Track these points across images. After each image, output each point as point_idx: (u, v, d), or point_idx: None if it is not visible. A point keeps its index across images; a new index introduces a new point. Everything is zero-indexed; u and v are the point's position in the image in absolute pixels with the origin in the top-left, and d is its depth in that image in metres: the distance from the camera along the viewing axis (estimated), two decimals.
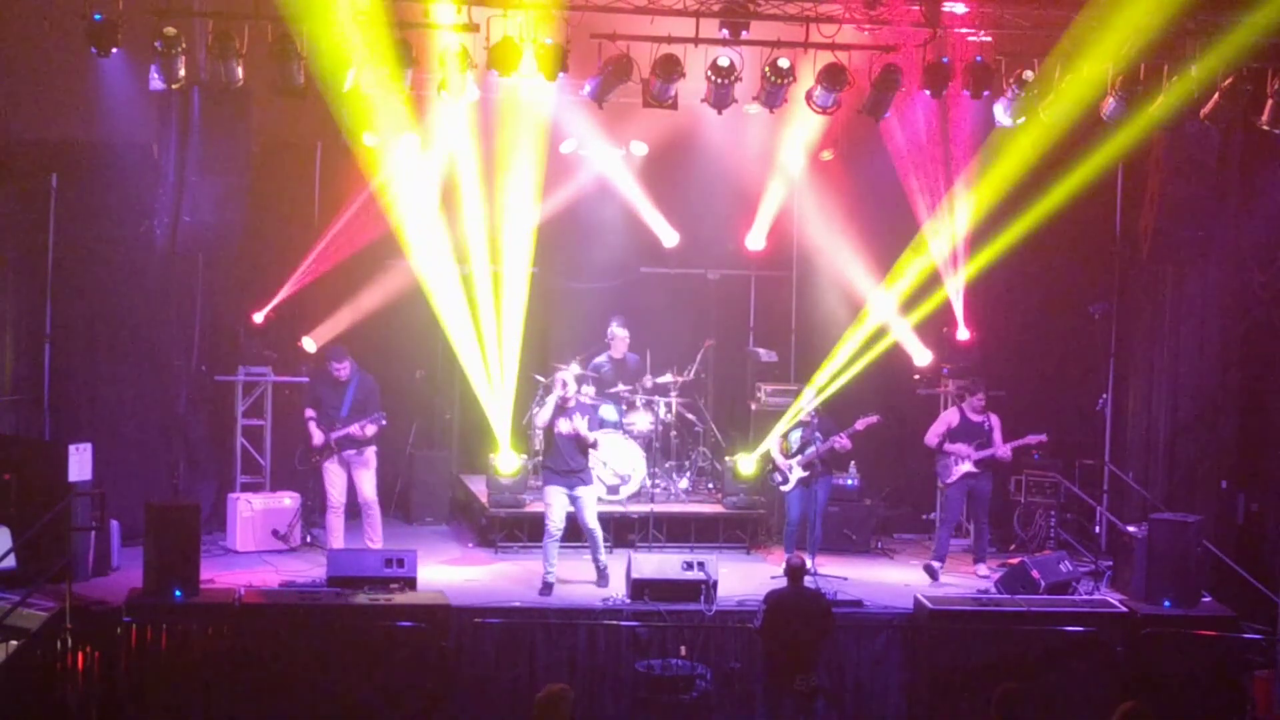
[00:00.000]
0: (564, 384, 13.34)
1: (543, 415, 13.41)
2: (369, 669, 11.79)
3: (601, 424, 13.92)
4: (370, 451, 13.87)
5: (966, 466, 13.93)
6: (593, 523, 13.36)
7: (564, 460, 13.26)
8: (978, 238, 15.19)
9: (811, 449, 13.85)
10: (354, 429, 13.73)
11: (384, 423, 13.91)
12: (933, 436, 14.13)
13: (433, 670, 11.92)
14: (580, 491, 13.32)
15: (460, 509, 16.13)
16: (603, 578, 13.28)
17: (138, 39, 12.21)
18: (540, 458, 15.27)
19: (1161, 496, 14.90)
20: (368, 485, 13.85)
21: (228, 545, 14.49)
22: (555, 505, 13.29)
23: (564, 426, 13.25)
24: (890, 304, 15.48)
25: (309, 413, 13.87)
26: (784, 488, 14.07)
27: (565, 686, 8.81)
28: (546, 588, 13.08)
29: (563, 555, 13.42)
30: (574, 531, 13.52)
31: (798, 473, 13.93)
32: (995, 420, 14.17)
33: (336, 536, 13.71)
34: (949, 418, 14.19)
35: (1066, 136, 14.07)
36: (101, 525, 12.93)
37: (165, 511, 12.20)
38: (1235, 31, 12.60)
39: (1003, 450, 14.01)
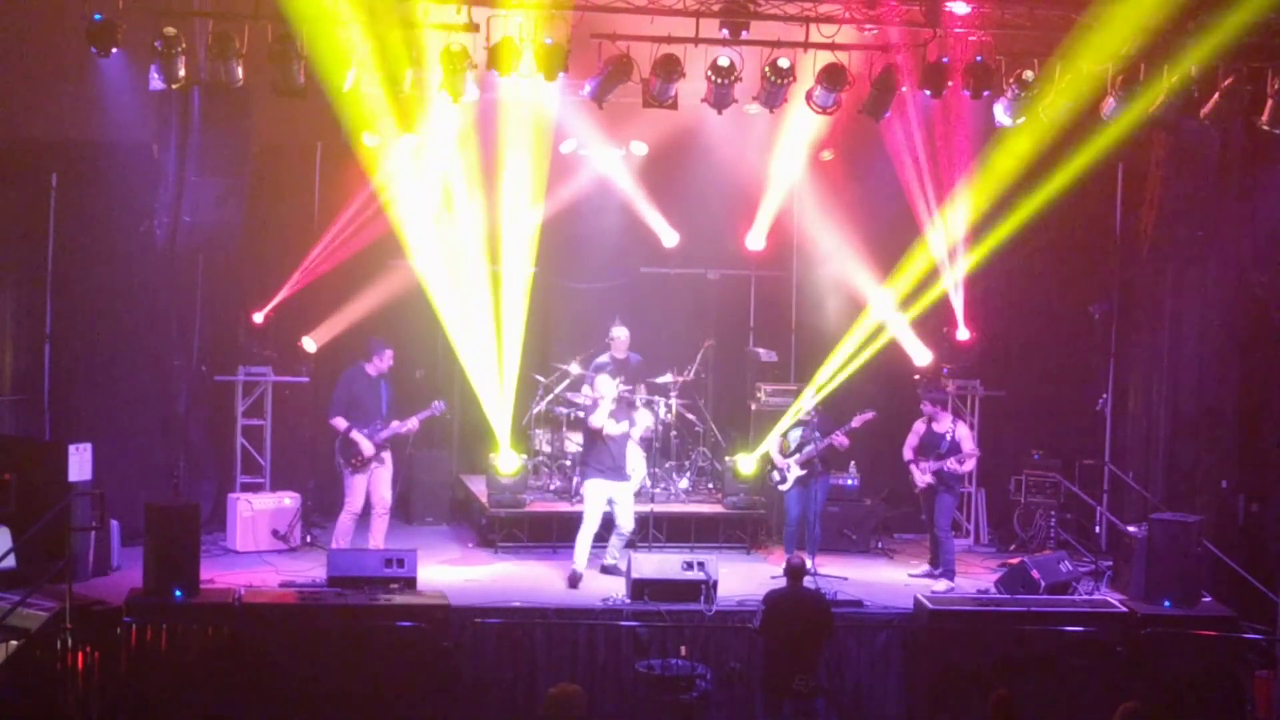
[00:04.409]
0: (615, 384, 13.64)
1: (598, 418, 13.47)
2: (369, 669, 11.78)
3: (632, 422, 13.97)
4: (390, 453, 13.83)
5: (927, 479, 13.87)
6: (630, 525, 13.57)
7: (610, 458, 13.46)
8: (978, 237, 15.20)
9: (810, 447, 13.85)
10: (412, 423, 13.69)
11: (444, 409, 13.95)
12: (907, 450, 14.04)
13: (433, 670, 11.91)
14: (620, 490, 13.50)
15: (460, 509, 16.12)
16: (612, 570, 13.38)
17: (138, 39, 12.21)
18: (540, 456, 15.42)
19: (1161, 496, 14.90)
20: (388, 487, 13.73)
21: (228, 545, 14.48)
22: (595, 500, 13.45)
23: (612, 428, 13.43)
24: (890, 304, 15.49)
25: (341, 423, 13.48)
26: (782, 487, 14.05)
27: (578, 688, 8.80)
28: (574, 578, 13.23)
29: (569, 557, 13.49)
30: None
31: (795, 471, 13.92)
32: (963, 431, 13.97)
33: (346, 540, 13.59)
34: (918, 428, 14.04)
35: (1066, 136, 14.10)
36: (101, 525, 12.93)
37: (165, 511, 12.19)
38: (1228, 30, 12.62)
39: (838, 439, 13.82)
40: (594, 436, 13.58)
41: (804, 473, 13.90)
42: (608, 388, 13.60)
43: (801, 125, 14.76)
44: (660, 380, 15.51)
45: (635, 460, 14.79)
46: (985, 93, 12.90)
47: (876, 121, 13.51)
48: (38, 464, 13.20)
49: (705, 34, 12.69)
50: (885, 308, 15.48)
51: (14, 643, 11.59)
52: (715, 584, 12.57)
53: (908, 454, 14.00)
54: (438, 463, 16.31)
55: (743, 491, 14.87)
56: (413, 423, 13.73)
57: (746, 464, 14.66)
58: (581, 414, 14.37)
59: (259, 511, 14.51)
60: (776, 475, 14.07)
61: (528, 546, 14.56)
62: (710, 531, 14.89)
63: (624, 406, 13.75)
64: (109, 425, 14.29)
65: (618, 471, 13.54)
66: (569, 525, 13.54)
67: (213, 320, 15.18)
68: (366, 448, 13.47)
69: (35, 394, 14.18)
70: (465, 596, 12.63)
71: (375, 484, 13.68)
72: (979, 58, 12.80)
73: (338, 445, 13.67)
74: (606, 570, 13.49)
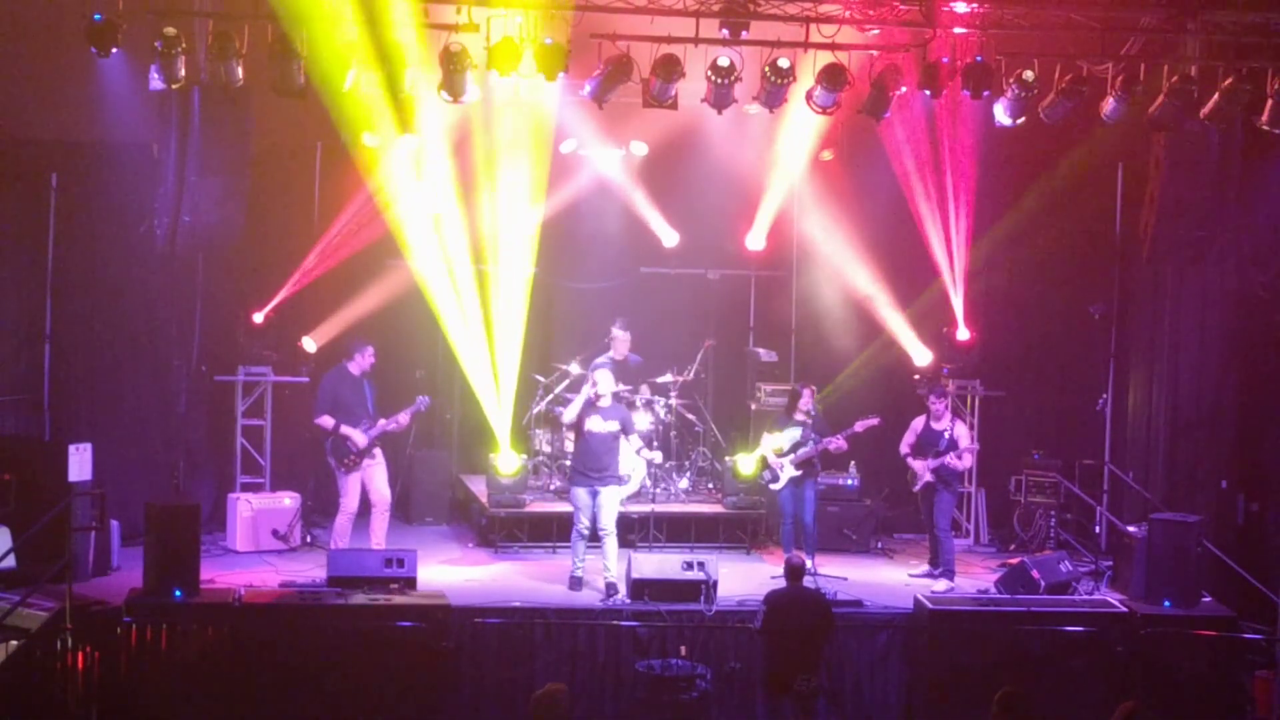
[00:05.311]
0: (595, 382, 13.25)
1: (569, 413, 13.32)
2: (369, 669, 11.78)
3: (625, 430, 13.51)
4: (380, 450, 13.84)
5: (926, 476, 13.86)
6: (609, 525, 13.12)
7: (594, 459, 13.16)
8: (977, 238, 15.20)
9: (805, 448, 13.83)
10: (401, 419, 13.73)
11: (429, 403, 14.00)
12: (904, 445, 14.03)
13: (433, 670, 11.92)
14: (603, 491, 13.18)
15: (460, 509, 16.13)
16: (610, 590, 12.93)
17: (138, 39, 12.21)
18: (540, 456, 15.42)
19: (1161, 496, 14.89)
20: (385, 484, 13.75)
21: (228, 545, 14.49)
22: (582, 508, 13.20)
23: (595, 425, 13.18)
24: (890, 304, 15.50)
25: (329, 420, 13.52)
26: (774, 486, 14.00)
27: (562, 686, 8.81)
28: (575, 583, 13.13)
29: (569, 558, 13.42)
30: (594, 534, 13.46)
31: (789, 471, 13.87)
32: (960, 429, 13.96)
33: (345, 540, 13.60)
34: (916, 425, 14.03)
35: (1066, 136, 14.11)
36: (101, 525, 12.93)
37: (165, 511, 12.19)
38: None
39: (836, 442, 13.78)
40: (576, 436, 13.36)
41: (799, 473, 13.88)
42: (604, 382, 13.24)
43: (801, 125, 14.75)
44: (660, 380, 15.51)
45: (634, 462, 14.78)
46: (985, 93, 12.88)
47: (876, 121, 13.50)
48: (38, 464, 13.23)
49: (705, 34, 12.68)
50: (885, 307, 15.51)
51: (14, 643, 11.59)
52: (715, 584, 12.57)
53: (903, 449, 14.00)
54: (438, 463, 16.31)
55: (742, 491, 14.83)
56: (402, 418, 13.77)
57: (746, 464, 14.64)
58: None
59: (259, 511, 14.51)
60: (767, 474, 14.03)
61: (528, 546, 14.56)
62: (710, 531, 14.89)
63: (616, 405, 13.44)
64: (109, 425, 14.31)
65: (600, 474, 13.15)
66: (569, 525, 13.51)
67: (213, 320, 15.16)
68: (359, 438, 13.49)
69: (35, 394, 14.18)
70: (465, 596, 12.64)
71: (371, 482, 13.68)
72: (979, 58, 12.79)
73: (328, 445, 13.67)
74: (610, 587, 12.99)
